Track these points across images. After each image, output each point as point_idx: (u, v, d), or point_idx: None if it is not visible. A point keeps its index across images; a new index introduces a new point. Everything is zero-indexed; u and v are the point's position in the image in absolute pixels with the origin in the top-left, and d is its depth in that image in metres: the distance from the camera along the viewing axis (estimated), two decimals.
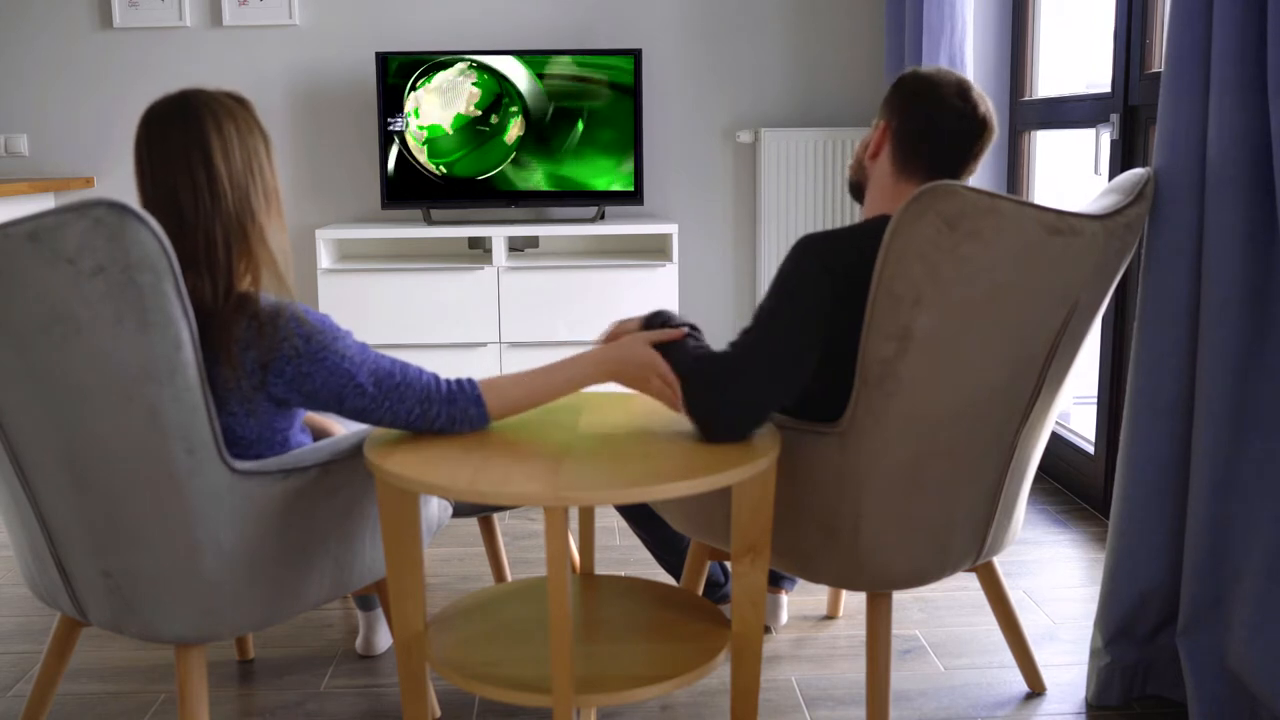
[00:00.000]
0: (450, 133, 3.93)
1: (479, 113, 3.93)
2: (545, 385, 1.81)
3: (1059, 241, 1.71)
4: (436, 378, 1.78)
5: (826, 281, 1.78)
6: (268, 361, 1.70)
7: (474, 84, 3.92)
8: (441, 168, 3.95)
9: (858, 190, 2.02)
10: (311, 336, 1.71)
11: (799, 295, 1.78)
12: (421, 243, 4.20)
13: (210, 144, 1.72)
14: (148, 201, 1.74)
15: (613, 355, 1.82)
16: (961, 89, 1.88)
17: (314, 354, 1.71)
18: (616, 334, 1.95)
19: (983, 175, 3.77)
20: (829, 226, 4.13)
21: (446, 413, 1.77)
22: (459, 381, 1.79)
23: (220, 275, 1.71)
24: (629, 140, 3.95)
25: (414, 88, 3.91)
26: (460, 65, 3.90)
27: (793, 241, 4.14)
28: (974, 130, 1.88)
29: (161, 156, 1.72)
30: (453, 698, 2.20)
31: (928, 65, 1.92)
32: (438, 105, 3.92)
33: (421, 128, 3.93)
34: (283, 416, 1.79)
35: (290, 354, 1.70)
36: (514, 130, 3.95)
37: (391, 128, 3.92)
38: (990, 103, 1.91)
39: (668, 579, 2.73)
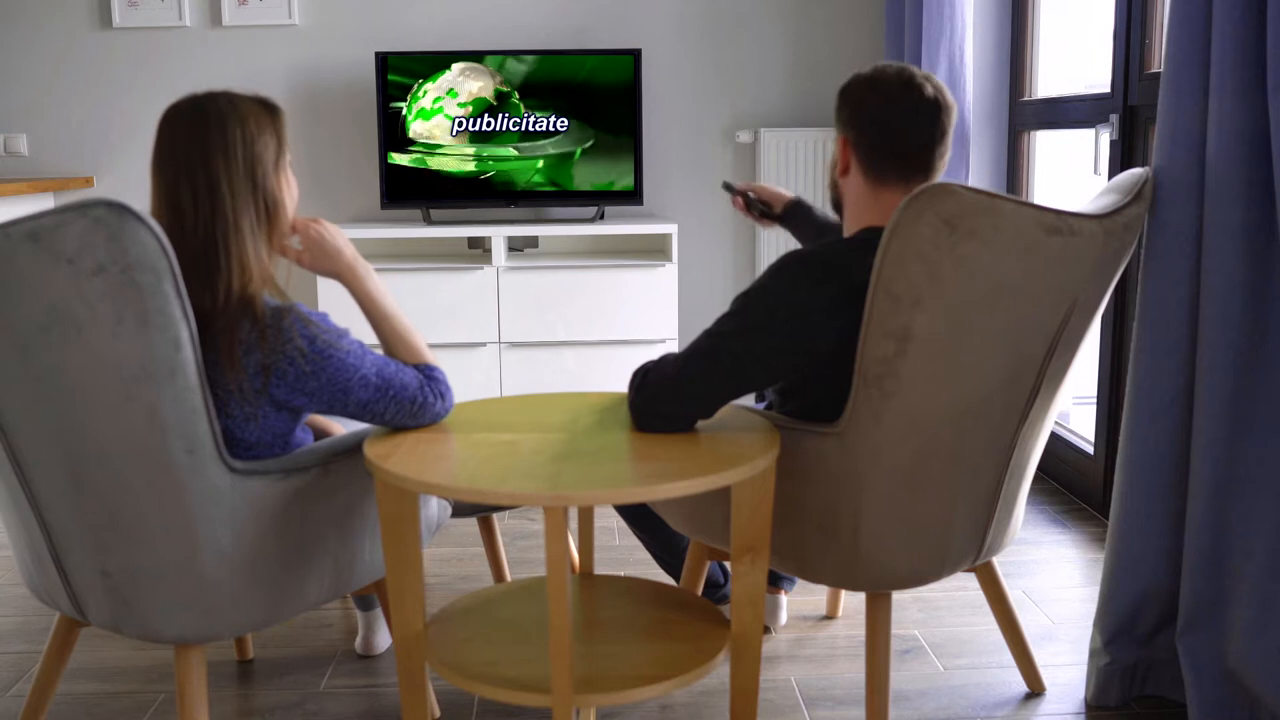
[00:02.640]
0: (450, 132, 3.94)
1: (480, 112, 3.93)
2: (398, 313, 1.89)
3: (1058, 241, 1.71)
4: (415, 373, 1.83)
5: (797, 300, 1.78)
6: (270, 364, 1.70)
7: (474, 84, 3.92)
8: (441, 167, 3.95)
9: (837, 204, 2.01)
10: (316, 338, 1.71)
11: (758, 319, 1.79)
12: (421, 243, 4.20)
13: (210, 151, 1.72)
14: (154, 201, 1.75)
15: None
16: (903, 78, 1.86)
17: (319, 353, 1.71)
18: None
19: (982, 175, 3.78)
20: None
21: (439, 397, 1.83)
22: (430, 371, 1.85)
23: (219, 280, 1.71)
24: (629, 140, 3.95)
25: (414, 87, 3.91)
26: (460, 65, 3.90)
27: (792, 242, 4.14)
28: (929, 114, 1.85)
29: (168, 158, 1.74)
30: (452, 698, 2.20)
31: (868, 67, 1.91)
32: (438, 105, 3.92)
33: (425, 115, 3.93)
34: (283, 421, 1.79)
35: (295, 355, 1.70)
36: (514, 130, 3.95)
37: (391, 126, 3.92)
38: (939, 81, 1.89)
39: (667, 579, 2.73)
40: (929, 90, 1.85)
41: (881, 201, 1.89)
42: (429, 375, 1.83)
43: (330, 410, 1.77)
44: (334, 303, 3.83)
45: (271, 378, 1.71)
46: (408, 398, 1.79)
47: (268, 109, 1.79)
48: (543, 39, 4.15)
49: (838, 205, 2.01)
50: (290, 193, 1.82)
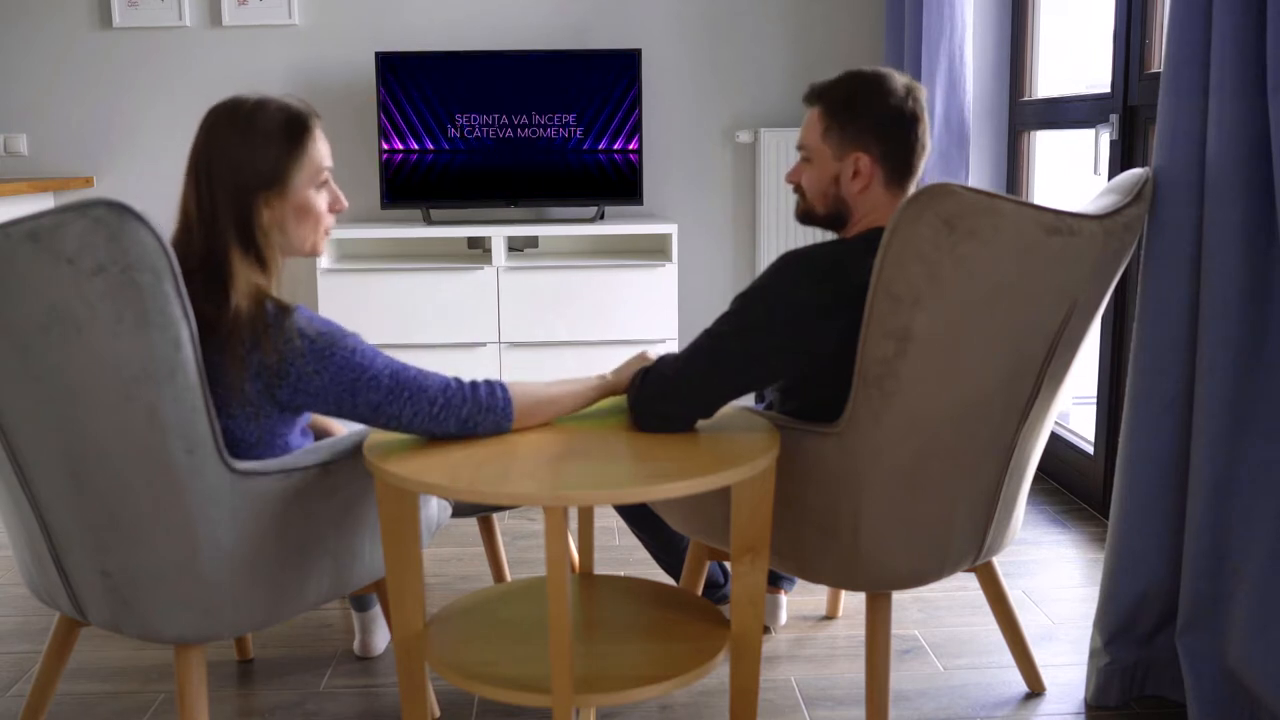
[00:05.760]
0: (449, 132, 3.94)
1: (479, 112, 3.93)
2: (566, 400, 1.86)
3: (1057, 241, 1.71)
4: (457, 378, 1.78)
5: (798, 300, 1.78)
6: (272, 364, 1.70)
7: (474, 83, 3.92)
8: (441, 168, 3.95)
9: (828, 220, 1.97)
10: (317, 337, 1.71)
11: (758, 319, 1.79)
12: (421, 243, 4.20)
13: (209, 173, 1.74)
14: (182, 198, 1.79)
15: (611, 378, 1.93)
16: (897, 79, 1.90)
17: (320, 352, 1.71)
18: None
19: (982, 175, 3.78)
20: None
21: (471, 400, 1.75)
22: (485, 380, 1.79)
23: (221, 290, 1.71)
24: (629, 140, 3.95)
25: (414, 86, 3.91)
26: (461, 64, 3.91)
27: (792, 242, 4.14)
28: (925, 115, 1.92)
29: (189, 165, 1.77)
30: (452, 698, 2.20)
31: (847, 78, 1.91)
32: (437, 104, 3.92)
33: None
34: (285, 422, 1.79)
35: (295, 356, 1.70)
36: (514, 129, 3.95)
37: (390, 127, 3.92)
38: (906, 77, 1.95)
39: (667, 579, 2.73)
40: (919, 93, 1.91)
41: (895, 203, 1.90)
42: (471, 380, 1.78)
43: (339, 412, 1.75)
44: (335, 305, 3.83)
45: (274, 379, 1.71)
46: (427, 399, 1.73)
47: (289, 127, 1.76)
48: (543, 39, 4.15)
49: (820, 220, 1.97)
50: (293, 216, 1.79)
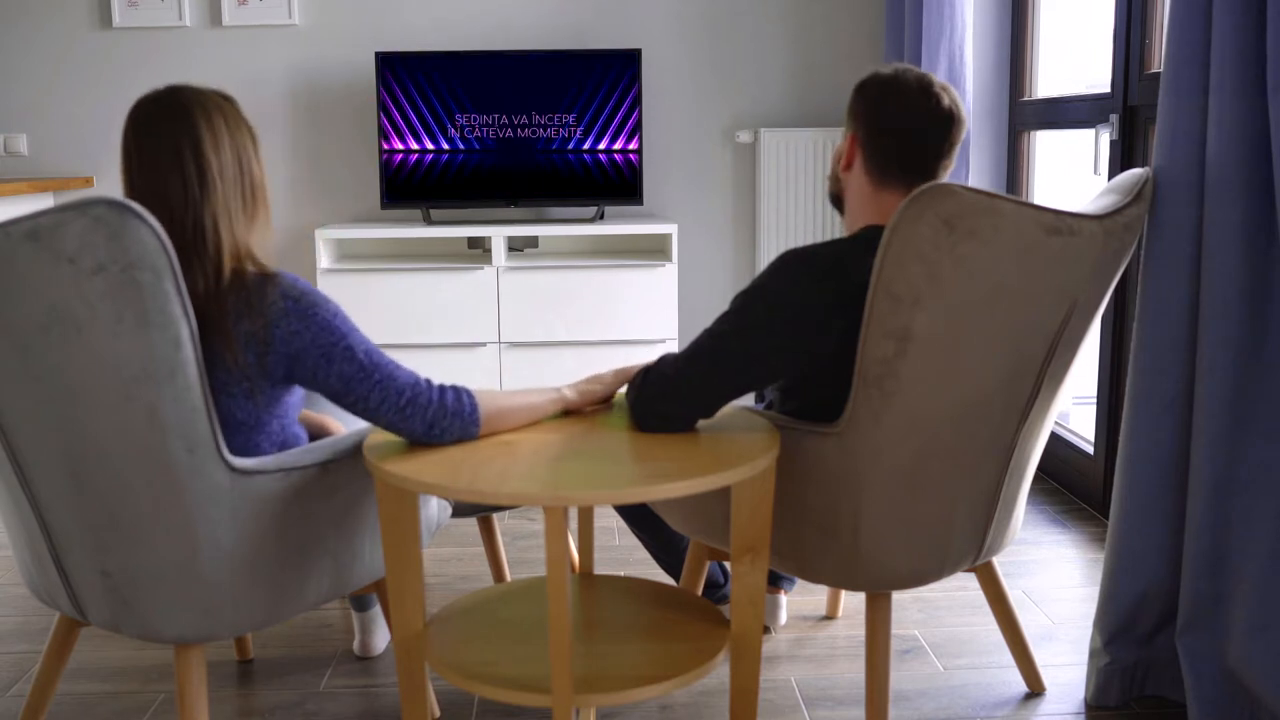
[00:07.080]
0: (449, 132, 3.94)
1: (479, 112, 3.93)
2: (526, 412, 1.86)
3: (1058, 241, 1.71)
4: (427, 379, 1.79)
5: (798, 299, 1.78)
6: (259, 329, 1.71)
7: (474, 83, 3.92)
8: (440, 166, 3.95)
9: (839, 201, 2.00)
10: (300, 297, 1.74)
11: (758, 318, 1.79)
12: (421, 242, 4.20)
13: (201, 136, 1.74)
14: (134, 194, 1.76)
15: (570, 395, 1.94)
16: (922, 85, 1.86)
17: (303, 312, 1.73)
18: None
19: (982, 175, 3.78)
20: (829, 226, 4.14)
21: (438, 403, 1.75)
22: (452, 385, 1.79)
23: (209, 263, 1.73)
24: (629, 140, 3.95)
25: (414, 86, 3.91)
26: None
27: (792, 242, 4.14)
28: (942, 125, 1.86)
29: (152, 149, 1.74)
30: (452, 698, 2.20)
31: (887, 67, 1.92)
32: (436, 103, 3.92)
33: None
34: (277, 400, 1.79)
35: (278, 316, 1.71)
36: (514, 129, 3.95)
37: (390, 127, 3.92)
38: (955, 93, 1.90)
39: (667, 579, 2.73)
40: (945, 102, 1.86)
41: (883, 202, 1.89)
42: (439, 384, 1.78)
43: (314, 381, 1.75)
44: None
45: (263, 347, 1.71)
46: (395, 389, 1.74)
47: (228, 100, 1.83)
48: (543, 39, 4.15)
49: (835, 199, 2.01)
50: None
